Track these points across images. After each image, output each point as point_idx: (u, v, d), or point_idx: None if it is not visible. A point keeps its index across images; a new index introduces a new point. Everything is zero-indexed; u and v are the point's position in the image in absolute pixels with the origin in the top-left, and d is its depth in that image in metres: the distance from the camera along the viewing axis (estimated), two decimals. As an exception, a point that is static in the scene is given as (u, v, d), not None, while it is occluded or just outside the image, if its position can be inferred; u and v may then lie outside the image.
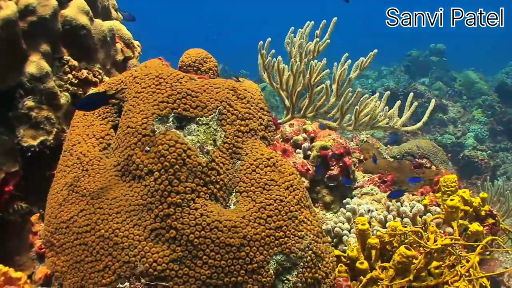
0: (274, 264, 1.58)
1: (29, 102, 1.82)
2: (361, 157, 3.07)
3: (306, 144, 2.68)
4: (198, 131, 1.72)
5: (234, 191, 1.70)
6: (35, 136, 1.84)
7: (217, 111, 1.78)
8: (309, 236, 1.67)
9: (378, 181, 2.82)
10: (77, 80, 1.99)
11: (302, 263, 1.63)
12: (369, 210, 2.35)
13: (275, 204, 1.65)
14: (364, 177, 2.89)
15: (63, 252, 1.63)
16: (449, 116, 8.59)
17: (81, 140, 1.80)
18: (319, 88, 2.23)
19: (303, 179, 2.66)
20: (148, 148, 1.63)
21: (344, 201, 2.53)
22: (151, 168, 1.60)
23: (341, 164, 2.66)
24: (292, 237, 1.63)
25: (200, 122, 1.74)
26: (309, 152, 2.68)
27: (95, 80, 2.05)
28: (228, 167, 1.71)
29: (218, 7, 32.50)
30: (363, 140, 3.32)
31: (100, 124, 1.85)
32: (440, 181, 2.23)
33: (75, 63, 2.01)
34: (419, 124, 2.14)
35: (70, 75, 1.97)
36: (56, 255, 1.65)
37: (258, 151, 1.77)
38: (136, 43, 2.47)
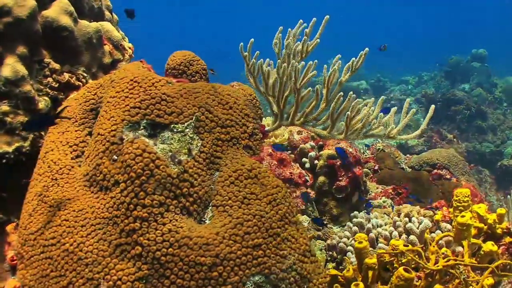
0: (252, 285, 1.44)
1: (4, 107, 1.74)
2: (376, 167, 2.89)
3: (313, 153, 2.54)
4: (172, 139, 1.58)
5: (210, 204, 1.57)
6: (10, 143, 1.75)
7: (194, 117, 1.64)
8: (293, 256, 1.52)
9: (392, 193, 2.65)
10: (58, 84, 1.89)
11: (284, 285, 1.48)
12: (375, 225, 2.18)
13: (254, 220, 1.50)
14: (377, 188, 2.72)
15: (31, 265, 1.54)
16: (489, 124, 8.23)
17: (54, 147, 1.69)
18: (307, 91, 2.06)
19: (309, 189, 2.52)
20: (116, 157, 1.51)
21: (352, 214, 2.36)
22: (117, 179, 1.48)
23: (350, 175, 2.51)
24: (273, 256, 1.48)
25: (175, 130, 1.60)
26: (316, 161, 2.54)
27: (78, 83, 1.94)
28: (204, 179, 1.57)
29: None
30: (379, 149, 3.14)
31: (76, 131, 1.74)
32: (453, 195, 2.04)
33: (56, 66, 1.91)
34: (417, 132, 1.96)
35: (50, 79, 1.87)
36: (25, 268, 1.56)
37: (239, 162, 1.62)
38: (127, 45, 2.34)
